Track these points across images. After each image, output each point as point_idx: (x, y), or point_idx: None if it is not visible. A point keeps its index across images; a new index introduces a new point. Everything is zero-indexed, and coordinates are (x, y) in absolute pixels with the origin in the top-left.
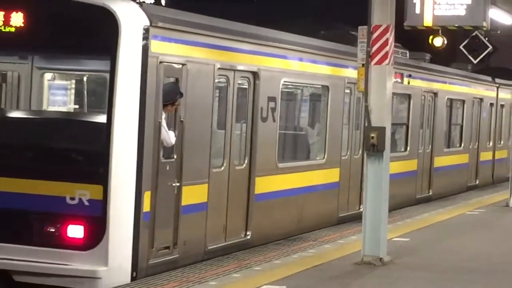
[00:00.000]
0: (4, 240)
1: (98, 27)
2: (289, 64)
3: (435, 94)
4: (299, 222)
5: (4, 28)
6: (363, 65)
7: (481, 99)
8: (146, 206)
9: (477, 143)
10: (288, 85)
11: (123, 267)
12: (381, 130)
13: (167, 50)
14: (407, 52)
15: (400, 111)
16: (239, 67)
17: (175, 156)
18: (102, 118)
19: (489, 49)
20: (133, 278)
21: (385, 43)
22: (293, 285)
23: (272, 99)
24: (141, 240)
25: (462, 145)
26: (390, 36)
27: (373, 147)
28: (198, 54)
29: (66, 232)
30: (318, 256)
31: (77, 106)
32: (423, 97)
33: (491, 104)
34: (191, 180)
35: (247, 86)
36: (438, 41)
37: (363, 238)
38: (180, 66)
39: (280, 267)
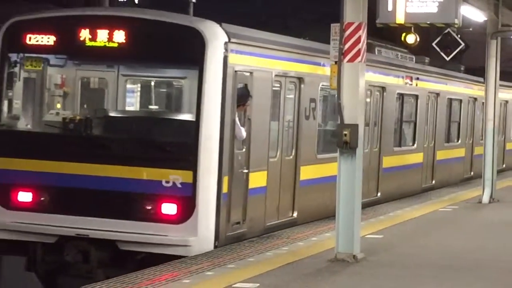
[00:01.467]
0: (112, 216)
1: (188, 43)
2: (325, 70)
3: (438, 94)
4: (332, 205)
5: (108, 44)
6: (336, 62)
7: (475, 99)
8: (225, 188)
9: (472, 139)
10: (324, 88)
11: (209, 237)
12: (353, 128)
13: (240, 61)
14: (414, 57)
15: (410, 110)
16: (290, 74)
17: (244, 148)
18: (192, 117)
19: (461, 46)
20: (215, 247)
21: (358, 40)
22: (266, 283)
23: (313, 100)
24: (221, 216)
25: (460, 140)
26: (363, 34)
27: (346, 144)
28: (261, 64)
29: (162, 209)
30: (292, 254)
31: (170, 107)
32: (428, 97)
33: (483, 103)
34: (255, 167)
35: (294, 90)
36: (411, 38)
37: (337, 235)
38: (249, 74)
39: (253, 264)
